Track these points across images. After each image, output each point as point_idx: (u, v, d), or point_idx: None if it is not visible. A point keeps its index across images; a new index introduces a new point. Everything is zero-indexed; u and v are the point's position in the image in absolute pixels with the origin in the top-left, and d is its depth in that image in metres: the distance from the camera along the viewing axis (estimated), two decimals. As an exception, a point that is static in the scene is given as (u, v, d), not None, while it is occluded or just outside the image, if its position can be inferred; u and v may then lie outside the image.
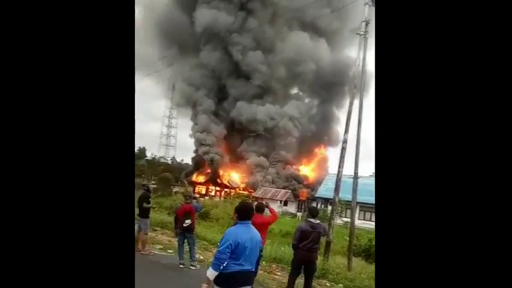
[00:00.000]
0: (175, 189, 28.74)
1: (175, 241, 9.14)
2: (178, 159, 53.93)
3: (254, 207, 6.12)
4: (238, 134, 41.23)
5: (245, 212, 3.25)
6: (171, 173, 37.38)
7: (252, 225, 3.23)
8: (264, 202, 6.61)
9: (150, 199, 8.23)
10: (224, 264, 2.95)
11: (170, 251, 8.47)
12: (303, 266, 5.55)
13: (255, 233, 3.21)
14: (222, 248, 2.99)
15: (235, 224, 3.26)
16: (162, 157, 48.83)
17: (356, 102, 9.37)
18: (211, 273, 2.97)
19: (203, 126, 39.89)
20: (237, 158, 40.50)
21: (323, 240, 6.94)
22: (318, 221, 5.54)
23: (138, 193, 9.31)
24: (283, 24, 39.32)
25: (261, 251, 5.53)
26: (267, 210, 6.17)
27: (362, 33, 9.08)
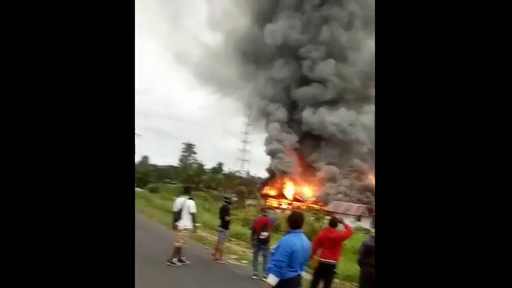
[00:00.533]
0: (248, 201, 29.53)
1: (249, 252, 9.37)
2: (252, 173, 55.50)
3: (329, 221, 6.06)
4: (309, 143, 40.76)
5: (296, 221, 3.44)
6: (245, 186, 38.50)
7: (302, 234, 3.41)
8: (338, 217, 6.39)
9: (230, 211, 8.59)
10: (283, 272, 3.13)
11: (244, 261, 8.67)
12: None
13: (306, 240, 3.41)
14: (280, 256, 3.17)
15: (288, 232, 3.41)
16: (237, 171, 50.68)
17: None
18: (273, 280, 3.13)
19: (274, 135, 40.29)
20: (308, 170, 40.11)
21: None
22: None
23: (218, 204, 9.84)
24: (357, 33, 38.47)
25: (334, 267, 5.62)
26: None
27: None
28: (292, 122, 41.44)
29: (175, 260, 7.13)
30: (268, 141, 42.12)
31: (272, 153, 41.20)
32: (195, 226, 7.42)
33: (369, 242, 5.26)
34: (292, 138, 40.82)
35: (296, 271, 3.23)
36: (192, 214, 7.21)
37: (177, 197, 8.21)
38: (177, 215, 7.25)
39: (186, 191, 7.76)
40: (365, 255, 5.20)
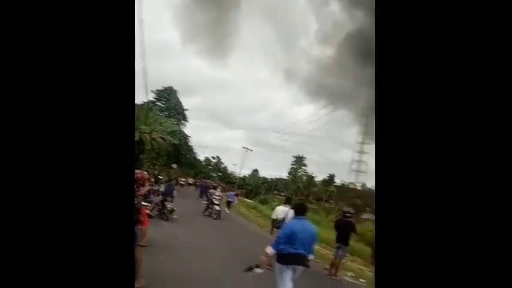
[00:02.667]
0: (365, 215, 27.44)
1: (366, 270, 8.56)
2: (368, 185, 52.17)
3: None
4: None
5: (299, 209, 4.24)
6: (361, 199, 36.20)
7: (306, 220, 4.13)
8: None
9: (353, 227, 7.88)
10: (282, 247, 3.88)
11: (362, 280, 7.95)
12: None
13: (309, 225, 4.12)
14: (281, 233, 4.03)
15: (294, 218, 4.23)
16: (351, 183, 48.33)
17: None
18: (270, 251, 3.91)
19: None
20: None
21: None
22: None
23: (329, 218, 9.11)
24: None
25: None
26: None
27: None
28: None
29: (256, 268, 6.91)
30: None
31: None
32: None
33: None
34: None
35: (297, 249, 3.90)
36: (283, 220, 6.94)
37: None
38: (280, 223, 7.01)
39: (287, 201, 7.59)
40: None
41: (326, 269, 7.89)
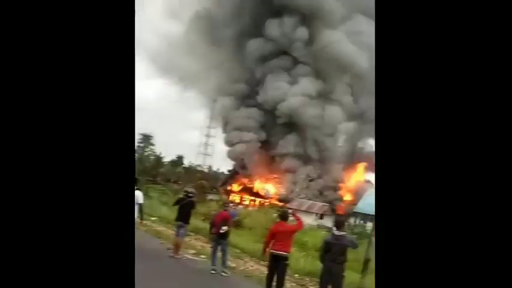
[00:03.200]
0: (210, 197, 29.00)
1: (208, 247, 9.17)
2: (214, 168, 54.58)
3: (279, 215, 6.31)
4: (277, 135, 39.89)
5: None
6: (207, 181, 37.87)
7: None
8: (289, 210, 6.61)
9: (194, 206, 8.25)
10: None
11: (203, 256, 8.47)
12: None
13: None
14: None
15: None
16: (198, 165, 49.67)
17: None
18: None
19: (237, 126, 38.42)
20: (273, 165, 39.93)
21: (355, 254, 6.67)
22: (342, 233, 5.45)
23: (175, 198, 9.34)
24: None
25: (285, 259, 5.81)
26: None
27: None
28: (258, 113, 40.35)
29: None
30: (229, 133, 40.95)
31: (233, 146, 40.28)
32: (141, 217, 7.28)
33: (329, 239, 5.49)
34: (256, 131, 40.05)
35: None
36: (139, 205, 7.03)
37: None
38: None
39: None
40: (325, 251, 5.44)
41: (169, 249, 8.12)
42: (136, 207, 6.80)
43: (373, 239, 8.89)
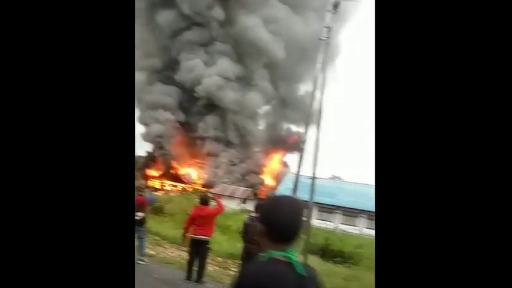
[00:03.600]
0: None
1: None
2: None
3: (200, 199, 6.33)
4: (196, 115, 38.48)
5: None
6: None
7: None
8: (210, 194, 6.69)
9: None
10: None
11: None
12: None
13: None
14: None
15: None
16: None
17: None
18: None
19: (149, 99, 35.89)
20: (194, 149, 39.20)
21: None
22: (258, 215, 5.55)
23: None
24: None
25: (207, 243, 5.85)
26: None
27: (324, 38, 9.17)
28: (176, 91, 38.28)
29: None
30: (143, 112, 38.56)
31: (148, 126, 38.35)
32: None
33: (248, 221, 5.66)
34: (174, 112, 38.61)
35: None
36: None
37: None
38: None
39: None
40: (244, 233, 5.64)
41: None
42: None
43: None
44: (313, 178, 9.40)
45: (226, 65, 36.60)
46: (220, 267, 7.22)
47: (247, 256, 5.62)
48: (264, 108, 40.37)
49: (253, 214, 5.79)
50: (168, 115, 37.68)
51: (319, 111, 9.73)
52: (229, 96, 36.56)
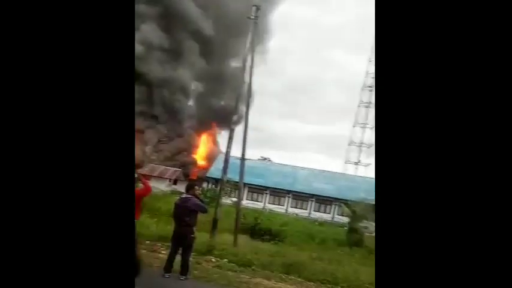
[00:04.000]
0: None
1: None
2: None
3: None
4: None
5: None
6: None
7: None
8: (136, 175, 6.48)
9: None
10: None
11: None
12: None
13: None
14: None
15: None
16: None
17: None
18: None
19: None
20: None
21: (206, 216, 7.13)
22: (189, 196, 5.67)
23: None
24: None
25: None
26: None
27: (253, 17, 9.31)
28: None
29: None
30: None
31: None
32: None
33: (177, 202, 5.72)
34: None
35: None
36: None
37: None
38: None
39: None
40: (174, 214, 5.69)
41: None
42: None
43: (221, 201, 9.60)
44: (243, 159, 9.64)
45: (151, 32, 34.04)
46: (149, 251, 7.13)
47: (177, 239, 5.61)
48: (195, 84, 39.13)
49: (183, 195, 5.78)
50: None
51: (249, 91, 9.94)
52: (155, 68, 34.74)
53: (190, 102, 40.82)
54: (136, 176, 6.20)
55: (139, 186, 6.12)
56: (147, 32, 34.13)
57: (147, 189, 5.92)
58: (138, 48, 33.17)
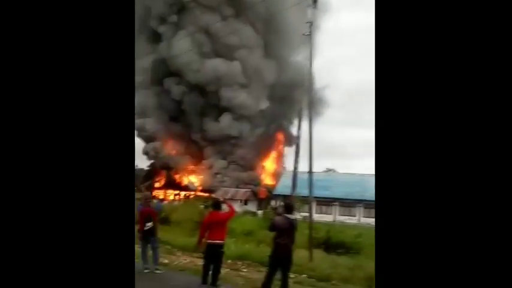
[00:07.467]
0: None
1: (137, 247, 8.95)
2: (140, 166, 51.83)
3: (212, 204, 6.48)
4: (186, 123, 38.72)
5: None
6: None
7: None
8: (220, 198, 6.73)
9: None
10: None
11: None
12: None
13: None
14: None
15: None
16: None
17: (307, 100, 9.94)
18: None
19: (141, 108, 35.56)
20: (192, 155, 39.39)
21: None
22: (294, 217, 5.68)
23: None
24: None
25: (221, 247, 5.95)
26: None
27: (307, 34, 9.66)
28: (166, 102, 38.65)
29: None
30: (140, 128, 38.95)
31: (147, 141, 38.63)
32: None
33: (280, 222, 5.57)
34: (170, 124, 38.73)
35: None
36: None
37: None
38: None
39: None
40: (278, 235, 5.51)
41: None
42: None
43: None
44: (310, 173, 9.67)
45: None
46: (231, 269, 7.60)
47: (277, 259, 5.47)
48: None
49: (288, 215, 5.63)
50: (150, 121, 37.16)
51: (310, 105, 10.12)
52: (239, 96, 36.12)
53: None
54: (221, 199, 6.62)
55: (225, 209, 6.32)
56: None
57: (232, 211, 6.18)
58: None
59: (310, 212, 10.48)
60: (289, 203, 6.29)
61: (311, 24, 9.78)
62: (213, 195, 29.12)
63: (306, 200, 11.91)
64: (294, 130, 34.55)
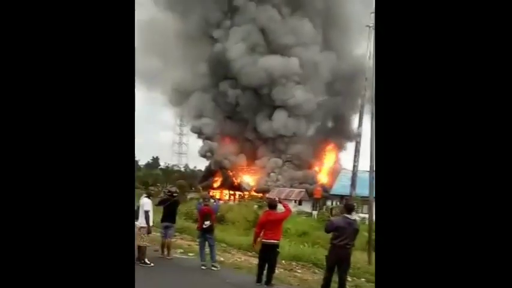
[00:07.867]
0: (190, 195, 28.95)
1: (194, 245, 9.30)
2: (191, 166, 54.27)
3: (268, 204, 6.54)
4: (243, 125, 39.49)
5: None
6: (185, 180, 37.72)
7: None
8: (276, 198, 6.76)
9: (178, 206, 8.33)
10: None
11: (191, 254, 8.57)
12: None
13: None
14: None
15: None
16: (175, 165, 49.10)
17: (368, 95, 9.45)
18: None
19: (199, 109, 37.32)
20: (247, 156, 40.01)
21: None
22: (354, 218, 5.49)
23: (154, 201, 9.50)
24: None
25: (277, 246, 5.95)
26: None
27: (371, 25, 9.17)
28: (224, 108, 39.72)
29: (146, 259, 7.02)
30: (193, 125, 40.26)
31: (196, 131, 39.82)
32: (149, 224, 7.17)
33: (341, 223, 5.37)
34: (225, 124, 39.69)
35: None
36: (146, 212, 7.10)
37: None
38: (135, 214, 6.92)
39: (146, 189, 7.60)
40: (337, 236, 5.30)
41: (156, 251, 7.97)
42: (144, 215, 7.00)
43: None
44: (372, 171, 9.14)
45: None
46: (285, 270, 7.53)
47: (337, 261, 5.30)
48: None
49: (349, 216, 5.46)
50: (206, 121, 38.25)
51: (373, 100, 9.50)
52: (295, 93, 36.01)
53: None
54: (277, 199, 6.70)
55: (281, 209, 6.33)
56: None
57: (288, 211, 6.20)
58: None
59: (370, 212, 9.98)
60: (350, 203, 6.10)
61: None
62: (267, 196, 29.25)
63: (366, 201, 11.38)
64: (353, 125, 33.29)
